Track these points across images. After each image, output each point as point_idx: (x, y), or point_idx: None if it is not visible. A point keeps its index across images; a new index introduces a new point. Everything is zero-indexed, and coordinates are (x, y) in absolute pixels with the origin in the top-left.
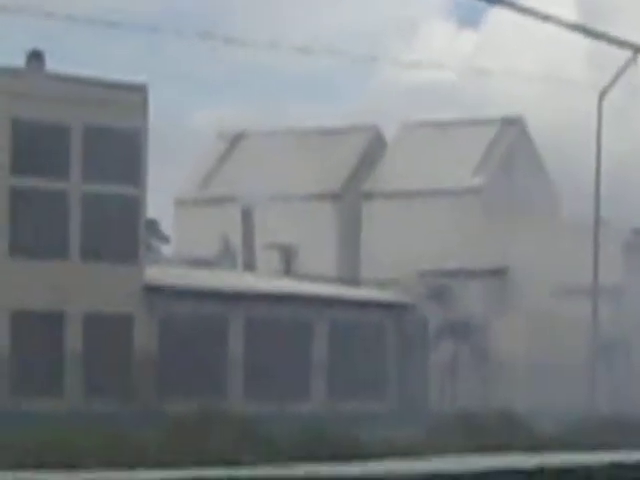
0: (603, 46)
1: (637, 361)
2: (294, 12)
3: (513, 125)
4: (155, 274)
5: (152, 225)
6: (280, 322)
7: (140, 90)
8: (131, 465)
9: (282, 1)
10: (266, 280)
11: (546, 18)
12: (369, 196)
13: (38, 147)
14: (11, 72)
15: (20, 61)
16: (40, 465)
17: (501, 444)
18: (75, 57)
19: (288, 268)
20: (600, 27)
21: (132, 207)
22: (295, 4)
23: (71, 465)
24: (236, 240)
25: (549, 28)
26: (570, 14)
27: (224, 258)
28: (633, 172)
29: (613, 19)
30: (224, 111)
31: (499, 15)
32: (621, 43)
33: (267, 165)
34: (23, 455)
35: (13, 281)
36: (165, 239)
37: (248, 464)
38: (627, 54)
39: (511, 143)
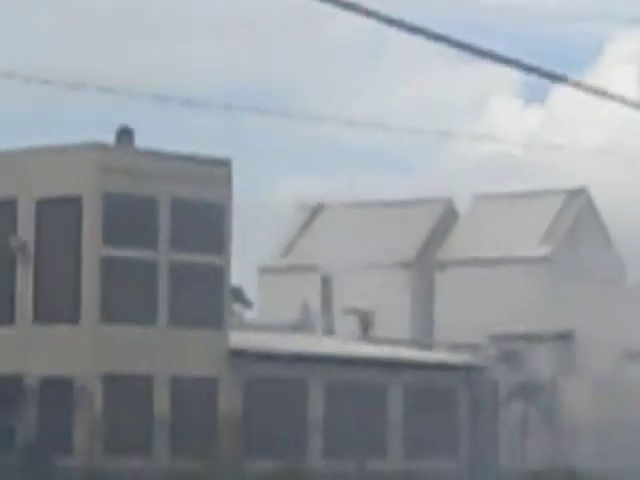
0: None
1: None
2: (369, 88)
3: (578, 196)
4: (239, 339)
5: (236, 292)
6: (357, 384)
7: (224, 164)
8: None
9: (357, 78)
10: (344, 344)
11: (608, 95)
12: (442, 264)
13: (128, 219)
14: (102, 148)
15: (110, 137)
16: None
17: None
18: (162, 134)
19: (365, 333)
20: None
21: (217, 275)
22: (370, 81)
23: None
24: (316, 306)
25: (612, 104)
26: (633, 90)
27: (305, 323)
28: None
29: None
30: (304, 184)
31: (564, 92)
32: None
33: (345, 235)
34: None
35: (105, 346)
36: (249, 305)
37: None
38: None
39: (577, 213)
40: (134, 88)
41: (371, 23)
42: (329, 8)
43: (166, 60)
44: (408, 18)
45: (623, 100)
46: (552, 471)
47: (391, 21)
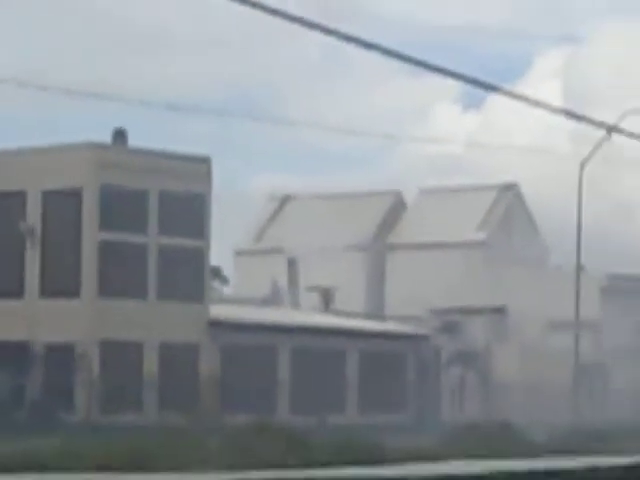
0: (583, 126)
1: (612, 382)
2: (337, 98)
3: (509, 190)
4: (217, 311)
5: (215, 271)
6: (319, 350)
7: (205, 161)
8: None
9: (327, 88)
10: (308, 316)
11: (536, 103)
12: (393, 247)
13: (122, 208)
14: (100, 147)
15: (107, 137)
16: (120, 468)
17: (500, 450)
18: (154, 135)
19: (326, 306)
20: (581, 109)
21: (198, 256)
22: (337, 92)
23: (144, 468)
24: (283, 284)
25: (539, 111)
26: (557, 98)
27: (274, 298)
28: (608, 228)
29: (593, 101)
30: (274, 178)
31: (498, 99)
32: (597, 123)
33: (309, 222)
34: (109, 460)
35: (100, 317)
36: (226, 282)
37: (292, 467)
38: (602, 132)
39: (508, 205)
40: (129, 95)
41: (334, 41)
42: (298, 27)
43: (155, 69)
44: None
45: (548, 107)
46: (487, 423)
47: (348, 38)
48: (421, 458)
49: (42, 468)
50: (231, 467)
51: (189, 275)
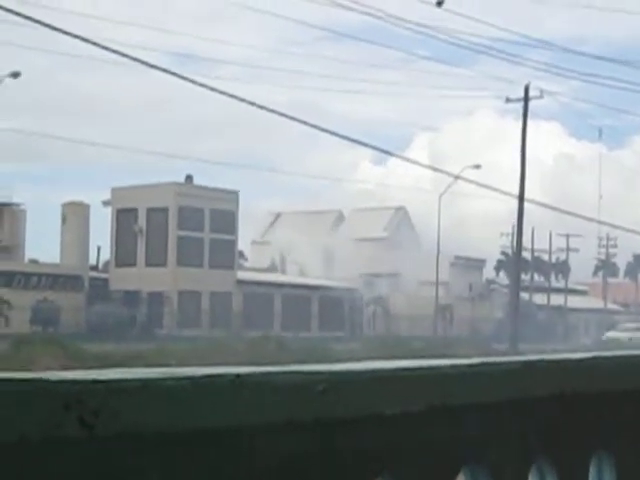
0: (440, 175)
1: (455, 315)
2: (310, 159)
3: (400, 210)
4: (241, 274)
5: (240, 252)
6: (297, 296)
7: (235, 193)
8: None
9: (311, 154)
10: (290, 278)
11: (414, 161)
12: (339, 240)
13: (190, 218)
14: (178, 184)
15: (181, 179)
16: (189, 362)
17: (395, 352)
18: (217, 178)
19: (301, 273)
20: (439, 166)
21: (231, 244)
22: (310, 157)
23: (203, 360)
24: (277, 260)
25: (416, 167)
26: (426, 159)
27: (272, 268)
28: (453, 230)
29: (445, 162)
30: (272, 202)
31: (394, 160)
32: (448, 173)
33: (291, 228)
34: (184, 356)
35: (180, 278)
36: (245, 258)
37: (284, 363)
38: (451, 179)
39: (399, 217)
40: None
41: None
42: None
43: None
44: None
45: (421, 164)
46: (377, 337)
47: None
48: (352, 356)
49: (147, 362)
50: (249, 361)
51: (226, 254)
